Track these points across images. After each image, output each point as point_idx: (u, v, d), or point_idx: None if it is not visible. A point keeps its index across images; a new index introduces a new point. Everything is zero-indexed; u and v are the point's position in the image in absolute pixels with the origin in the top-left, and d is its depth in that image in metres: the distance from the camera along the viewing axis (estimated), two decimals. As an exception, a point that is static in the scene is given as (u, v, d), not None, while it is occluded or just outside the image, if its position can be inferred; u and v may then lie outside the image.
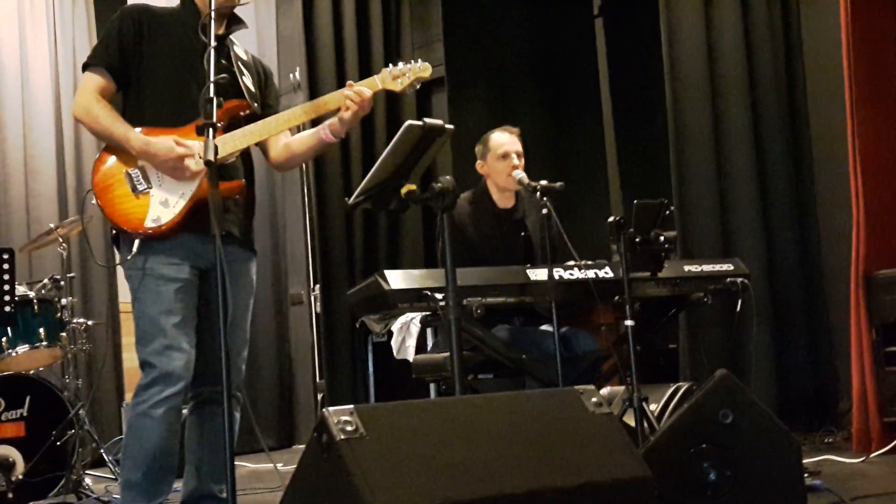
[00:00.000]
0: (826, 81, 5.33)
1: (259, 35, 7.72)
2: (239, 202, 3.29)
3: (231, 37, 3.33)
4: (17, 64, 7.07)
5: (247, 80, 3.31)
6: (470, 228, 4.53)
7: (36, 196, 6.96)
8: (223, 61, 3.23)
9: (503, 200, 4.63)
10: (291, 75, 7.62)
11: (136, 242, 3.09)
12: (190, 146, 3.09)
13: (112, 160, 3.17)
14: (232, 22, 3.30)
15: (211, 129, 2.63)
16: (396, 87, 3.31)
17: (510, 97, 6.56)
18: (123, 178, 3.13)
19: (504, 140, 4.57)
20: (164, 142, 3.10)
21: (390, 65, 3.36)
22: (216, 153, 2.63)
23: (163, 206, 3.10)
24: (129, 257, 3.10)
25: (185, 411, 3.24)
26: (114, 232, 3.21)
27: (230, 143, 3.13)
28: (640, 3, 6.03)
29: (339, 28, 7.08)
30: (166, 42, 3.24)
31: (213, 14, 2.91)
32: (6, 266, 4.28)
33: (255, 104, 3.29)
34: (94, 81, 3.21)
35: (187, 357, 3.11)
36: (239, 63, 3.32)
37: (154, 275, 3.12)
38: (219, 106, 2.71)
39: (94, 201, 3.17)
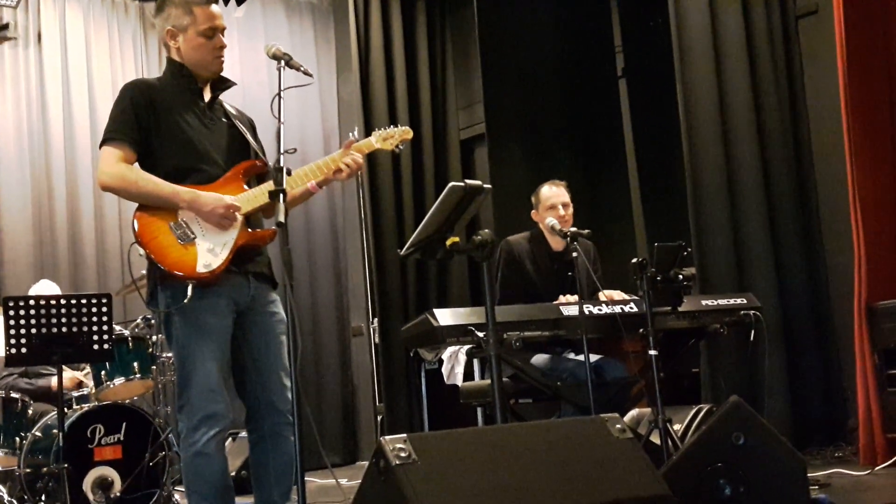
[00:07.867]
0: (828, 130, 5.34)
1: (321, 99, 7.95)
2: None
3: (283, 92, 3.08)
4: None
5: (250, 138, 3.24)
6: (528, 264, 4.64)
7: (130, 244, 7.11)
8: (223, 119, 3.21)
9: (556, 244, 4.71)
10: (351, 134, 7.68)
11: (190, 287, 2.98)
12: (234, 200, 3.06)
13: (152, 216, 3.05)
14: (219, 84, 3.26)
15: (282, 195, 2.68)
16: (387, 146, 3.39)
17: (544, 151, 6.62)
18: (168, 230, 3.03)
19: (551, 193, 4.69)
20: (212, 194, 3.05)
21: (377, 129, 3.44)
22: (287, 215, 2.67)
23: (210, 253, 3.03)
24: (185, 301, 2.97)
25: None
26: (155, 281, 3.08)
27: (260, 198, 3.10)
28: (659, 65, 6.07)
29: (392, 92, 7.26)
30: (171, 109, 3.14)
31: (281, 94, 2.90)
32: (105, 309, 4.38)
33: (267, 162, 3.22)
34: (115, 154, 3.06)
35: (226, 399, 3.04)
36: (236, 121, 3.25)
37: (199, 322, 3.03)
38: (282, 172, 2.73)
39: (140, 253, 3.06)
